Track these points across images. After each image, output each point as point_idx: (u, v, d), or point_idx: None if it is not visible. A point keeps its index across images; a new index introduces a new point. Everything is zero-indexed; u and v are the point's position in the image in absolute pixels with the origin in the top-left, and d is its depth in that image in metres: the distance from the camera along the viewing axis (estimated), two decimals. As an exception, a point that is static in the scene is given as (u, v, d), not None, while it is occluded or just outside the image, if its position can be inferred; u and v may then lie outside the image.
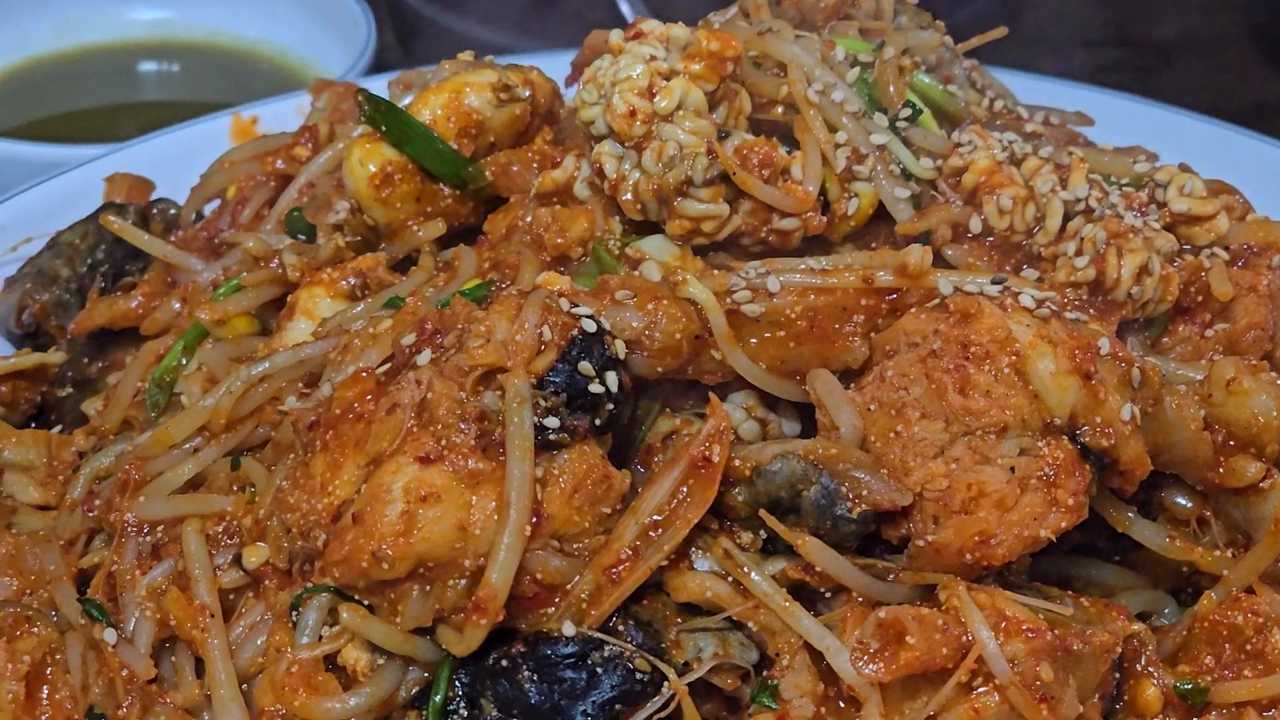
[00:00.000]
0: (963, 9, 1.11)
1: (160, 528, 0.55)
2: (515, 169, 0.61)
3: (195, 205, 0.75)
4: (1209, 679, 0.51)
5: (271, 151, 0.71)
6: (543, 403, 0.49)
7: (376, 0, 1.02)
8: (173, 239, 0.71)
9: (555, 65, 0.73)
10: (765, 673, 0.50)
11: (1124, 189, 0.62)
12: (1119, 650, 0.50)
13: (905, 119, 0.60)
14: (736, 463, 0.50)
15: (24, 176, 0.83)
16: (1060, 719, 0.47)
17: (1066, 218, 0.57)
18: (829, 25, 0.70)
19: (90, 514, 0.57)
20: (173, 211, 0.76)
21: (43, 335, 0.72)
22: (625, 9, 0.99)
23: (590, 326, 0.50)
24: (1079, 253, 0.55)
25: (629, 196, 0.57)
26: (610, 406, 0.50)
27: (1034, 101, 0.81)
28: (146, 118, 0.91)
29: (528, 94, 0.62)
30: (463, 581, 0.48)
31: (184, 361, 0.62)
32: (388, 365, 0.51)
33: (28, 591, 0.60)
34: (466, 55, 0.67)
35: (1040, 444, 0.49)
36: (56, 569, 0.59)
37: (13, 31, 1.04)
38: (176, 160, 0.80)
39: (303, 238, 0.64)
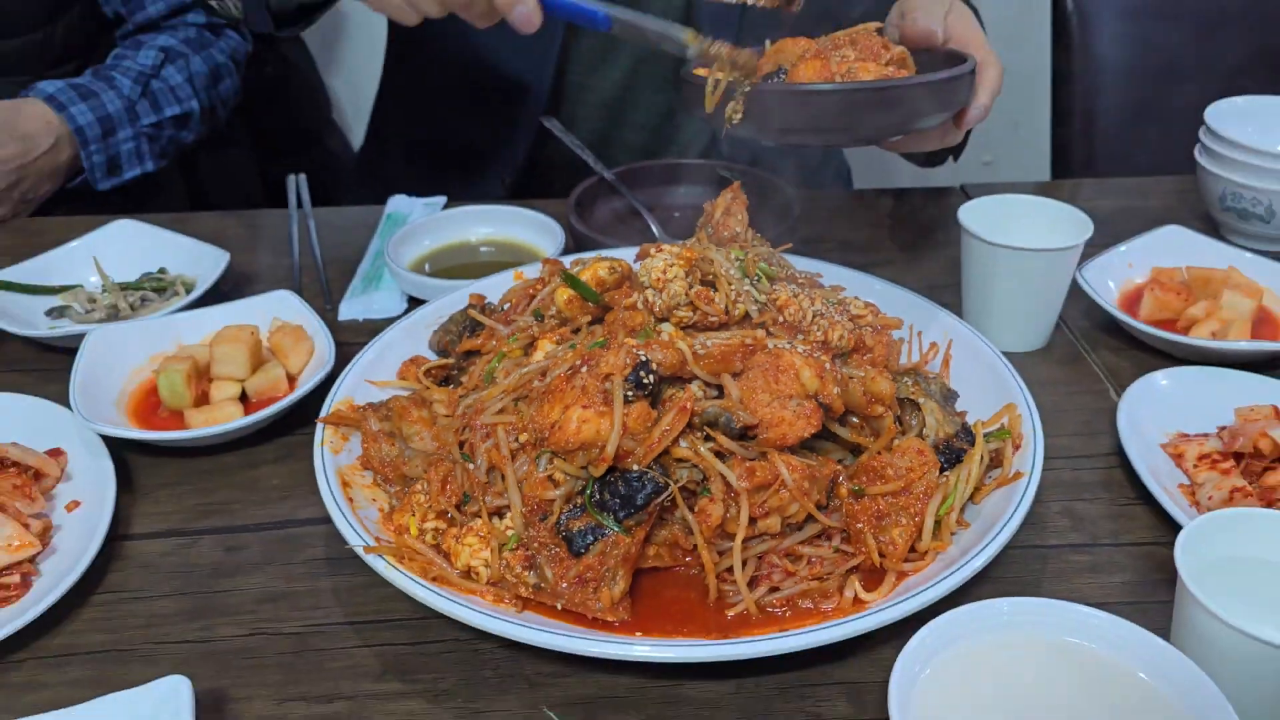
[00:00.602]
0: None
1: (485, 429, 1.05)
2: (616, 297, 1.13)
3: (501, 303, 1.32)
4: (863, 481, 1.01)
5: (529, 283, 1.28)
6: (627, 386, 0.98)
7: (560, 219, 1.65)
8: (492, 316, 1.27)
9: (630, 255, 1.33)
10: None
11: (831, 302, 1.13)
12: (832, 472, 1.01)
13: (754, 280, 1.12)
14: (697, 408, 0.99)
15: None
16: (811, 500, 1.14)
17: (815, 314, 1.09)
18: (728, 240, 1.26)
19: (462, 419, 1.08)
20: (492, 305, 1.34)
21: (447, 354, 1.31)
22: (655, 230, 1.62)
23: (643, 357, 0.98)
24: (819, 329, 1.07)
25: (656, 310, 1.05)
26: (650, 385, 0.97)
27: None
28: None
29: (620, 271, 1.15)
30: (598, 451, 0.97)
31: (497, 365, 1.12)
32: (570, 369, 1.00)
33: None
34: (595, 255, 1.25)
35: (804, 401, 0.98)
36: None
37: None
38: (495, 288, 1.40)
39: (538, 319, 1.19)
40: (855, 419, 1.05)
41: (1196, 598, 0.85)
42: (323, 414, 1.19)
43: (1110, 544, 1.15)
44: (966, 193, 1.85)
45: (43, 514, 1.18)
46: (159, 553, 1.17)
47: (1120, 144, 2.23)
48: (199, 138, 2.09)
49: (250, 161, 2.58)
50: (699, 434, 0.99)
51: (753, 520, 0.97)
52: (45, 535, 1.15)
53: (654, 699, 0.98)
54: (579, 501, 0.98)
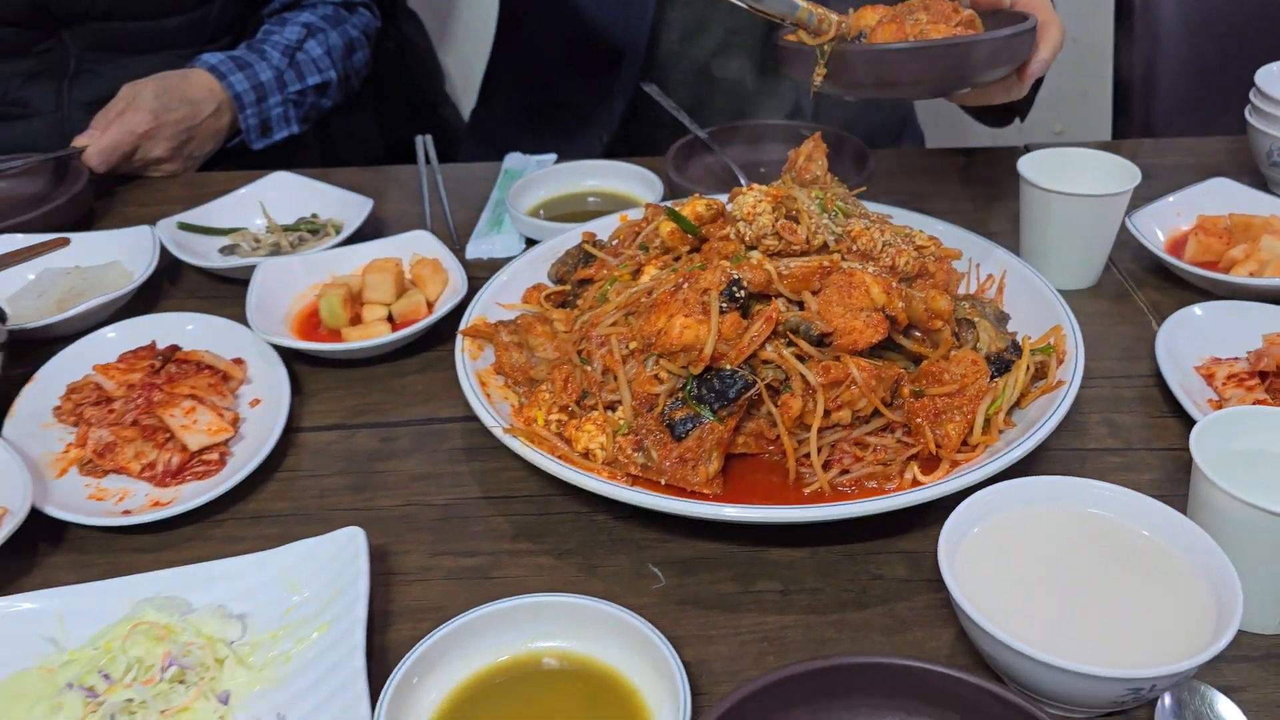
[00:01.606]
0: None
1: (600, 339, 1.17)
2: (712, 230, 1.24)
3: (610, 239, 1.45)
4: (923, 383, 1.11)
5: (634, 223, 1.41)
6: (721, 299, 1.10)
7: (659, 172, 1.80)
8: (602, 251, 1.37)
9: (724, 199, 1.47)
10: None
11: (899, 235, 1.22)
12: (896, 374, 1.13)
13: (831, 215, 1.23)
14: (780, 318, 1.16)
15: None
16: (877, 397, 1.29)
17: (885, 244, 1.21)
18: (809, 183, 1.34)
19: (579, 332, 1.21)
20: (601, 241, 1.47)
21: (564, 282, 1.45)
22: (744, 183, 1.69)
23: (735, 275, 1.09)
24: (888, 256, 1.18)
25: (747, 239, 1.17)
26: (741, 299, 1.09)
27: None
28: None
29: (715, 208, 1.24)
30: (697, 352, 1.11)
31: (609, 288, 1.23)
32: (674, 286, 1.14)
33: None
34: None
35: (873, 313, 1.09)
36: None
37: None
38: (604, 228, 1.55)
39: (644, 251, 1.31)
40: (917, 333, 1.17)
41: (1204, 472, 0.98)
42: (462, 327, 1.37)
43: (1143, 448, 1.27)
44: (1027, 150, 1.95)
45: (232, 408, 1.37)
46: (326, 442, 1.35)
47: (1180, 108, 2.30)
48: (336, 104, 2.28)
49: (374, 127, 2.78)
50: (782, 340, 1.12)
51: (827, 413, 1.11)
52: (235, 424, 1.34)
53: (740, 560, 1.14)
54: (680, 395, 1.11)
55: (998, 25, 1.38)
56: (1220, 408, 1.28)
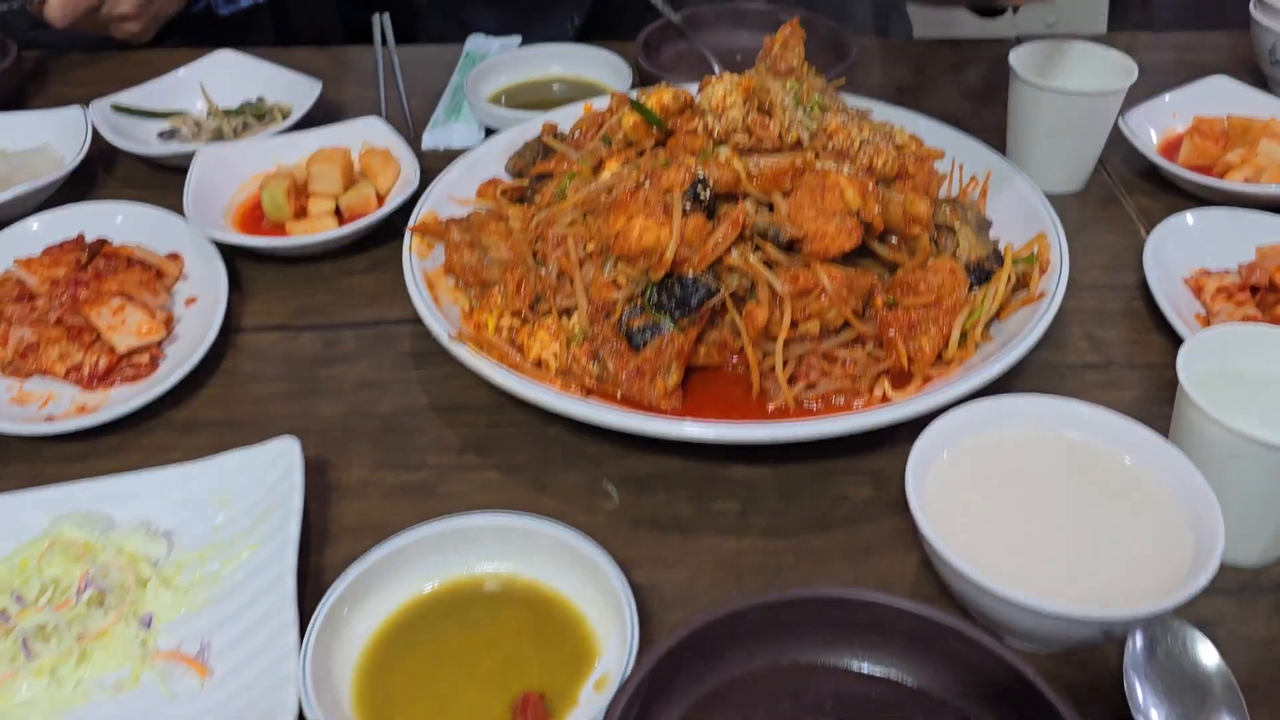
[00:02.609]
0: None
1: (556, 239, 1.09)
2: (679, 123, 1.14)
3: (572, 130, 1.35)
4: (898, 293, 1.04)
5: (598, 114, 1.32)
6: (685, 199, 1.03)
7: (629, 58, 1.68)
8: (563, 143, 1.32)
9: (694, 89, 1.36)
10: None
11: (879, 132, 1.13)
12: (869, 283, 1.06)
13: (807, 109, 1.13)
14: (748, 221, 1.06)
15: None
16: (848, 307, 1.20)
17: (863, 142, 1.10)
18: (784, 73, 1.22)
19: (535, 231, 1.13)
20: (563, 133, 1.38)
21: (522, 176, 1.35)
22: (717, 71, 1.61)
23: (701, 174, 1.03)
24: (865, 155, 1.08)
25: (715, 133, 1.09)
26: (707, 200, 1.02)
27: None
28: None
29: (683, 99, 1.14)
30: (657, 256, 1.03)
31: (568, 183, 1.15)
32: (635, 185, 1.04)
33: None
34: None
35: (847, 217, 1.02)
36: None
37: None
38: (566, 119, 1.43)
39: (606, 144, 1.20)
40: (894, 238, 1.09)
41: (1191, 396, 0.91)
42: (411, 223, 1.27)
43: (1125, 365, 1.20)
44: (1020, 42, 1.83)
45: (165, 306, 1.27)
46: (267, 344, 1.27)
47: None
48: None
49: (332, 5, 2.60)
50: (750, 245, 1.04)
51: (794, 324, 1.03)
52: (169, 325, 1.25)
53: (700, 477, 1.07)
54: (639, 302, 1.04)
55: None
56: (1208, 324, 1.21)
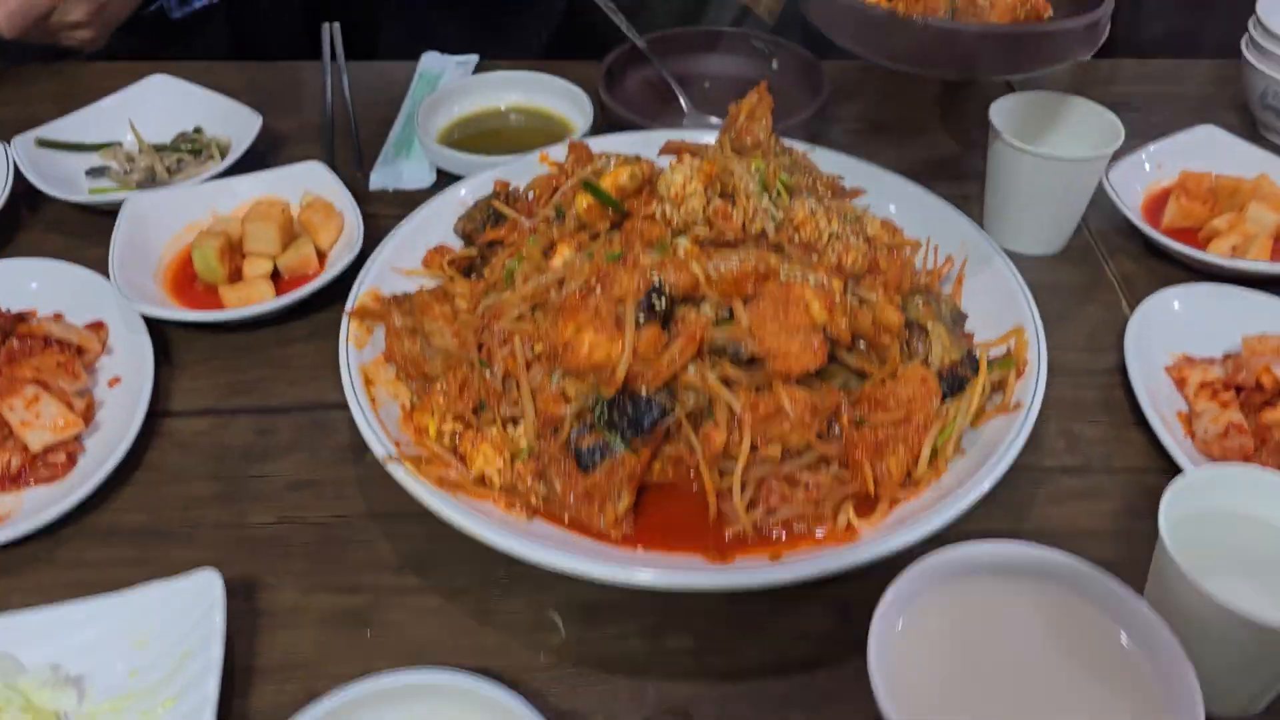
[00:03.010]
0: None
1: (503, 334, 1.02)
2: (636, 204, 1.07)
3: (525, 191, 1.28)
4: (865, 409, 0.97)
5: (553, 174, 1.25)
6: (639, 310, 0.95)
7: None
8: (515, 205, 1.25)
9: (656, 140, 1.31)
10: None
11: (849, 219, 1.08)
12: (834, 403, 0.98)
13: (773, 196, 1.07)
14: (706, 336, 0.96)
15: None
16: (811, 431, 1.03)
17: (831, 235, 1.04)
18: (750, 148, 1.16)
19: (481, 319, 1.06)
20: (516, 191, 1.30)
21: (471, 241, 1.26)
22: (684, 103, 1.55)
23: (656, 281, 0.94)
24: (833, 253, 1.03)
25: (674, 224, 1.03)
26: (662, 310, 0.95)
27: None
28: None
29: (641, 176, 1.07)
30: (609, 373, 0.94)
31: (516, 266, 1.09)
32: (585, 287, 0.96)
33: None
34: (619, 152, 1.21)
35: (812, 334, 0.94)
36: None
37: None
38: (520, 171, 1.36)
39: (559, 217, 1.14)
40: (862, 343, 1.01)
41: (1171, 555, 0.84)
42: (349, 306, 1.17)
43: (1103, 469, 1.13)
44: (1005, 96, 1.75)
45: (86, 389, 1.18)
46: (195, 432, 1.18)
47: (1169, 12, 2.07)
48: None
49: (296, 8, 2.45)
50: (707, 360, 0.96)
51: (754, 447, 0.95)
52: (89, 412, 1.16)
53: (650, 608, 1.00)
54: (589, 419, 0.97)
55: None
56: (1190, 421, 1.14)
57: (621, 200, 1.09)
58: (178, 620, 0.94)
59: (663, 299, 0.97)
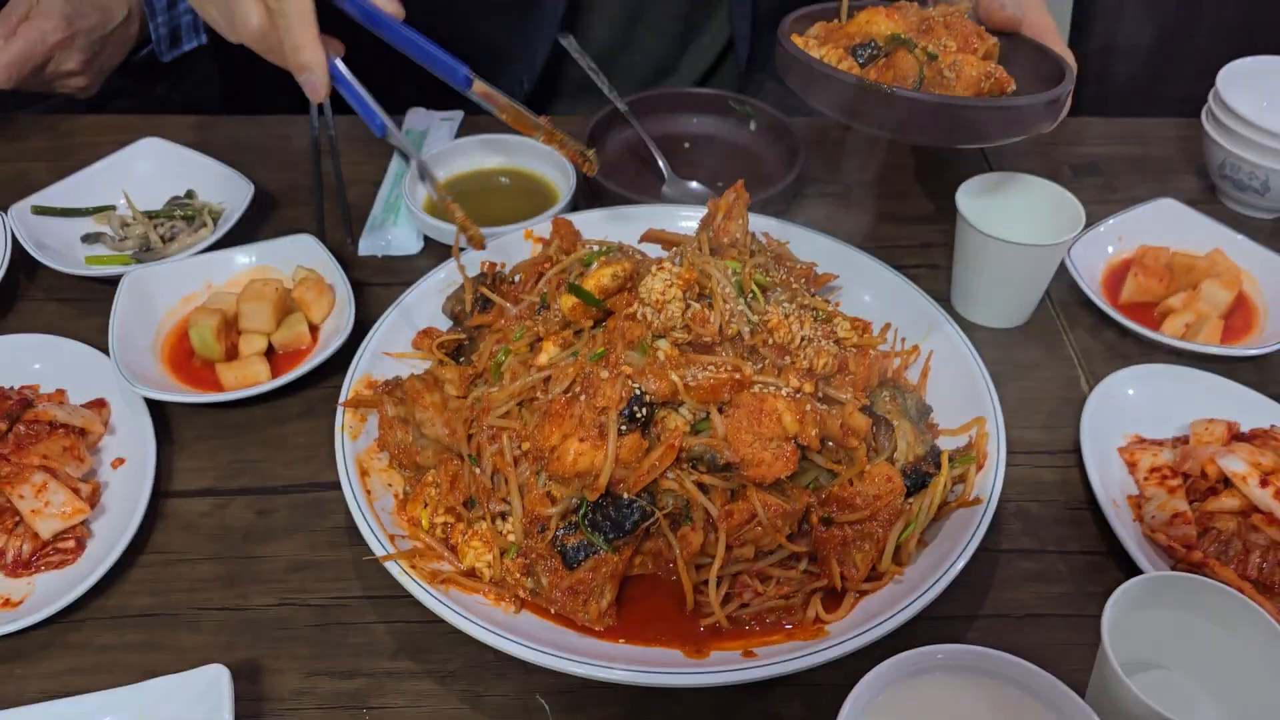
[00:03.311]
0: None
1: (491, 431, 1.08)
2: (618, 302, 1.12)
3: (511, 274, 1.35)
4: (833, 509, 1.05)
5: (537, 259, 1.31)
6: (620, 420, 1.03)
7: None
8: (501, 289, 1.31)
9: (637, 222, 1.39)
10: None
11: (820, 318, 1.16)
12: (804, 505, 1.05)
13: (748, 298, 1.13)
14: (684, 444, 1.03)
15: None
16: (783, 534, 1.07)
17: (803, 339, 1.11)
18: (727, 247, 1.22)
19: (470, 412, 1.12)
20: (502, 273, 1.36)
21: (459, 322, 1.33)
22: (663, 167, 1.61)
23: (638, 390, 1.01)
24: (805, 357, 1.08)
25: (654, 327, 1.07)
26: (642, 418, 1.01)
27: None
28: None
29: (622, 277, 1.12)
30: (592, 479, 1.02)
31: (503, 360, 1.15)
32: (570, 395, 1.03)
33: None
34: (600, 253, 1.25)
35: (784, 443, 1.01)
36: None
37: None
38: (505, 248, 1.43)
39: (543, 307, 1.20)
40: (831, 443, 1.08)
41: (1111, 662, 0.92)
42: (342, 397, 1.24)
43: (1056, 551, 1.21)
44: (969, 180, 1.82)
45: (91, 473, 1.24)
46: (198, 513, 1.24)
47: (1140, 57, 2.14)
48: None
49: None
50: (685, 466, 1.03)
51: (729, 547, 1.03)
52: (95, 496, 1.22)
53: (632, 693, 1.07)
54: (573, 519, 1.03)
55: (1013, 51, 1.31)
56: (1139, 505, 1.22)
57: (604, 299, 1.14)
58: (188, 711, 1.00)
59: (644, 408, 1.03)
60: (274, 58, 1.22)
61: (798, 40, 1.32)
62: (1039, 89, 1.27)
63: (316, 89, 1.14)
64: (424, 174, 1.35)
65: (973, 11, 1.34)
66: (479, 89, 1.25)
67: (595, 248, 1.30)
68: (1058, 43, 1.24)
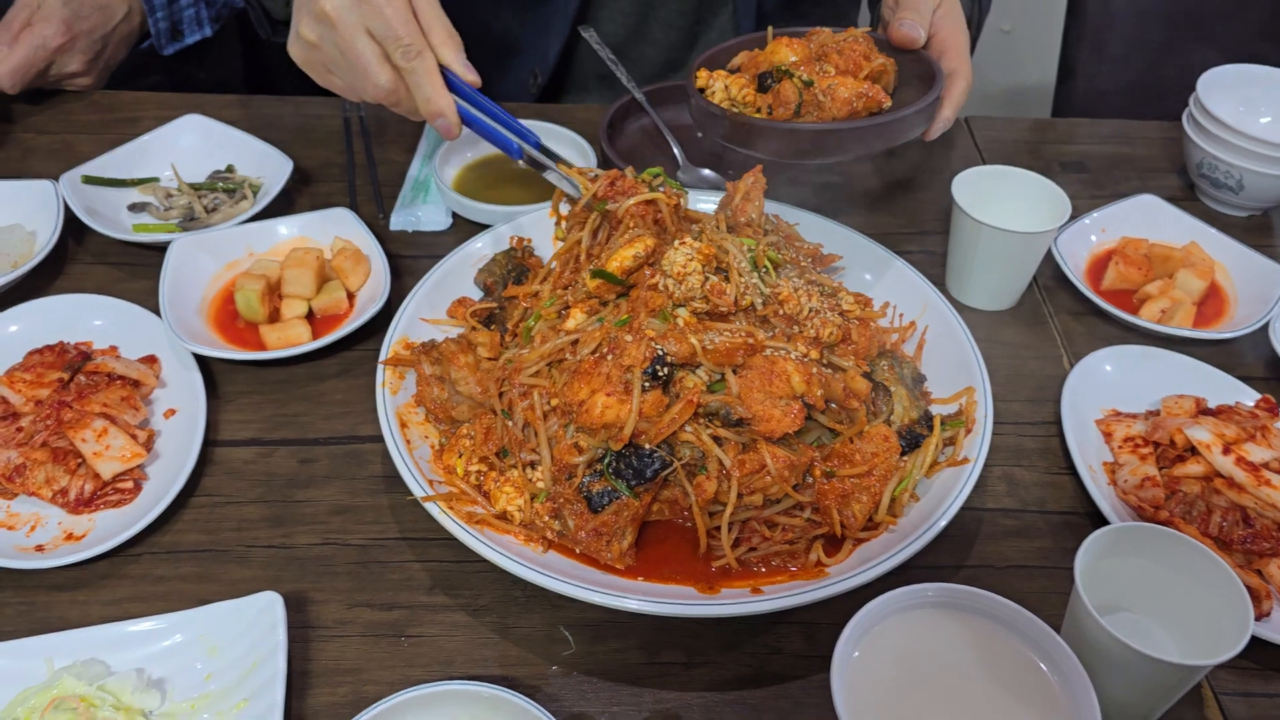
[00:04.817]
0: None
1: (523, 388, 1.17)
2: (640, 276, 1.19)
3: (551, 263, 1.39)
4: (834, 464, 1.15)
5: (570, 248, 1.34)
6: (644, 377, 1.12)
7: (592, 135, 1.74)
8: (529, 261, 1.42)
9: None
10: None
11: (826, 293, 1.25)
12: (809, 459, 1.18)
13: (761, 273, 1.36)
14: (701, 400, 1.15)
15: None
16: (789, 483, 1.24)
17: (811, 310, 1.23)
18: (743, 226, 1.32)
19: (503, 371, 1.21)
20: (530, 247, 1.48)
21: (490, 292, 1.44)
22: (678, 154, 1.71)
23: (660, 351, 1.10)
24: (812, 327, 1.18)
25: (674, 297, 1.15)
26: (664, 377, 1.11)
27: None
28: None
29: (644, 255, 1.17)
30: (617, 430, 1.12)
31: (534, 325, 1.24)
32: (597, 354, 1.11)
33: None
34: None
35: (792, 401, 1.10)
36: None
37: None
38: (532, 225, 1.55)
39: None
40: (834, 404, 1.20)
41: (1084, 603, 1.04)
42: (383, 355, 1.35)
43: (1036, 511, 1.33)
44: (968, 124, 1.94)
45: (145, 422, 1.35)
46: (244, 460, 1.35)
47: (1127, 62, 2.27)
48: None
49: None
50: (701, 420, 1.14)
51: (740, 495, 1.14)
52: (149, 442, 1.32)
53: (648, 625, 1.19)
54: (598, 468, 1.13)
55: (911, 67, 1.37)
56: (1113, 471, 1.34)
57: (625, 277, 1.26)
58: (245, 632, 1.12)
59: (665, 367, 1.15)
60: (400, 109, 1.34)
61: (703, 74, 1.35)
62: (916, 91, 1.39)
63: (450, 130, 1.30)
64: (541, 163, 1.42)
65: (880, 31, 1.46)
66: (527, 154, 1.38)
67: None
68: (958, 59, 1.32)
